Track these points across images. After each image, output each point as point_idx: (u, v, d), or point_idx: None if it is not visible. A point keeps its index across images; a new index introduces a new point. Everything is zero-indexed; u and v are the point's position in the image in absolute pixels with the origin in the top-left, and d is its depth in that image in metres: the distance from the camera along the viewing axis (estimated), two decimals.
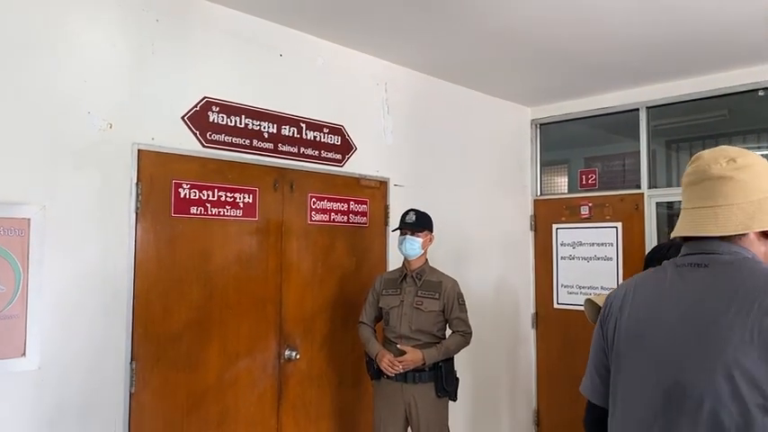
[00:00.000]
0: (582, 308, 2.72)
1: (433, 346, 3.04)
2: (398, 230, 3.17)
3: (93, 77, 2.55)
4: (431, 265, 3.21)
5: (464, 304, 3.17)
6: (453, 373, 3.13)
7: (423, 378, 3.02)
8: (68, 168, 2.47)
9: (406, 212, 3.16)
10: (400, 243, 3.13)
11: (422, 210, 3.18)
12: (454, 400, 3.14)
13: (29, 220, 2.32)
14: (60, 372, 2.40)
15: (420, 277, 3.14)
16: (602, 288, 4.39)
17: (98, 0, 2.58)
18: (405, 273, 3.16)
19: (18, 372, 2.28)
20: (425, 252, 3.18)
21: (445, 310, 3.11)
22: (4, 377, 2.26)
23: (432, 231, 3.19)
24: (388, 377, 3.03)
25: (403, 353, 3.00)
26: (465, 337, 3.12)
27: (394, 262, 3.59)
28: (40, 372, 2.34)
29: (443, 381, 3.05)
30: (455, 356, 3.16)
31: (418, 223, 3.12)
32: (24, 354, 2.29)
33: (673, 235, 1.33)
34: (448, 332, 3.19)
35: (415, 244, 3.11)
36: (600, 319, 1.41)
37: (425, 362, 2.99)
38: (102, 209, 2.56)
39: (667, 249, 2.49)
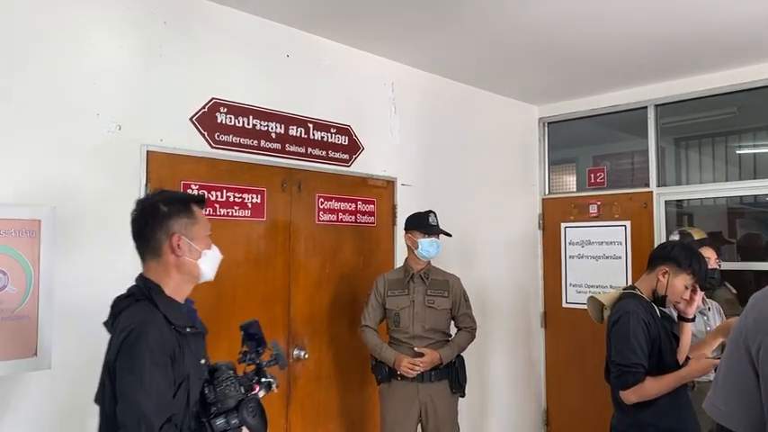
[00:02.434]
0: None
1: (446, 345, 3.08)
2: (420, 233, 3.11)
3: (102, 80, 2.56)
4: (432, 263, 3.23)
5: (469, 300, 3.23)
6: (465, 369, 3.17)
7: (438, 376, 3.05)
8: (78, 170, 2.49)
9: (427, 215, 3.13)
10: (428, 245, 3.08)
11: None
12: (463, 396, 3.17)
13: (39, 221, 2.33)
14: (71, 371, 2.42)
15: (428, 276, 3.14)
16: (611, 287, 4.36)
17: (106, 3, 2.60)
18: (411, 273, 3.16)
19: (29, 372, 2.30)
20: None
21: (453, 308, 3.15)
22: (16, 377, 2.28)
23: None
24: (402, 378, 3.03)
25: (420, 354, 3.01)
26: (472, 332, 3.18)
27: (401, 262, 3.59)
28: (51, 371, 2.35)
29: (458, 376, 3.09)
30: (463, 355, 3.18)
31: (439, 225, 3.15)
32: (36, 354, 2.31)
33: None
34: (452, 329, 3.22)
35: (439, 246, 3.13)
36: (744, 334, 1.14)
37: (442, 362, 3.02)
38: (112, 210, 2.56)
39: (672, 248, 2.49)
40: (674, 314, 2.60)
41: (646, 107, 4.40)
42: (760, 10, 3.04)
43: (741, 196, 4.21)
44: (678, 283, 2.39)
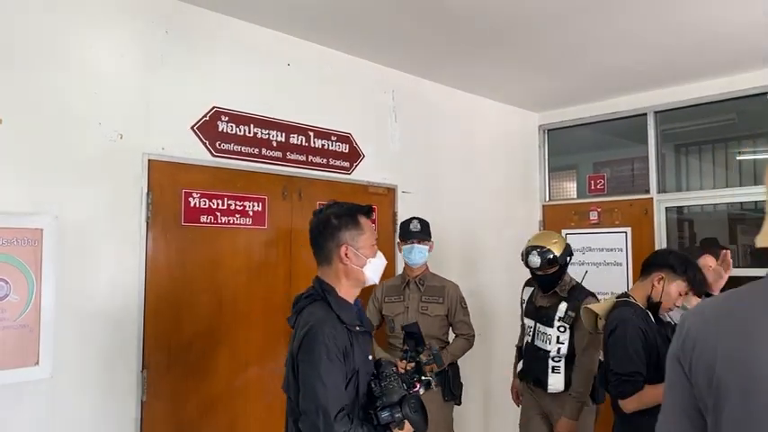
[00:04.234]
0: None
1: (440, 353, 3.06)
2: (402, 240, 3.17)
3: (103, 89, 2.58)
4: (432, 270, 3.24)
5: (467, 307, 3.21)
6: (459, 376, 3.16)
7: None
8: (80, 179, 2.50)
9: (409, 221, 3.17)
10: (408, 252, 3.13)
11: (422, 217, 3.21)
12: (459, 404, 3.16)
13: (42, 230, 2.35)
14: (72, 380, 2.43)
15: (423, 283, 3.15)
16: (611, 294, 4.36)
17: (108, 13, 2.62)
18: (407, 279, 3.17)
19: (31, 380, 2.31)
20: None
21: (449, 314, 3.14)
22: (18, 385, 2.28)
23: (431, 238, 3.21)
24: None
25: None
26: (469, 340, 3.16)
27: (400, 269, 3.59)
28: (53, 380, 2.36)
29: (450, 385, 3.08)
30: (463, 361, 3.18)
31: (424, 231, 3.14)
32: (37, 362, 2.32)
33: (757, 245, 1.13)
34: (450, 335, 3.21)
35: (423, 252, 3.13)
36: (676, 352, 1.15)
37: (433, 369, 3.00)
38: (114, 218, 2.58)
39: (667, 254, 2.50)
40: (668, 319, 2.59)
41: (645, 114, 4.41)
42: (758, 17, 3.05)
43: (741, 202, 4.21)
44: (673, 290, 2.41)
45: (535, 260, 3.05)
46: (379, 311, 3.19)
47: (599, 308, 2.56)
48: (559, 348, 2.99)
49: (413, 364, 2.02)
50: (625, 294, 2.52)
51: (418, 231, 3.12)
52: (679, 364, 1.13)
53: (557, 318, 3.01)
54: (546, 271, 3.05)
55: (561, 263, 3.05)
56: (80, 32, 2.54)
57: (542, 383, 3.04)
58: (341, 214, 1.93)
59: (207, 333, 2.86)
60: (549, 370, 3.01)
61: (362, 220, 1.95)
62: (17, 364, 2.27)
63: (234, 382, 2.94)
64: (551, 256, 3.02)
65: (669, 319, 2.60)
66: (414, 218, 3.18)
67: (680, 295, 2.42)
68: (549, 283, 3.09)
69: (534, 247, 3.09)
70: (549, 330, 3.03)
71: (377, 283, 1.99)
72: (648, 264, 2.52)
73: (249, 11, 2.96)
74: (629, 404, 2.27)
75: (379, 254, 1.98)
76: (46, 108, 2.42)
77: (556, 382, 3.00)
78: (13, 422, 2.27)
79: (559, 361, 3.00)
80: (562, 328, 2.99)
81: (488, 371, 4.36)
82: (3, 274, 2.25)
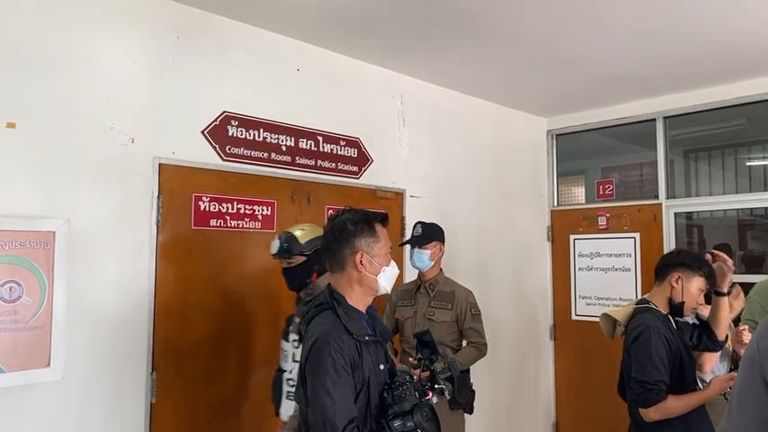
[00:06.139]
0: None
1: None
2: (407, 244, 3.15)
3: (115, 94, 2.61)
4: (446, 275, 3.21)
5: (478, 314, 3.11)
6: (468, 385, 3.08)
7: None
8: (92, 182, 2.52)
9: (414, 225, 3.15)
10: (410, 256, 3.12)
11: (430, 221, 3.17)
12: (470, 413, 3.11)
13: (54, 233, 2.37)
14: (83, 382, 2.45)
15: (433, 288, 3.12)
16: (620, 299, 4.35)
17: (120, 19, 2.65)
18: (419, 283, 3.16)
19: (43, 382, 2.33)
20: (438, 263, 3.15)
21: (458, 321, 3.07)
22: (30, 387, 2.31)
23: (442, 242, 3.13)
24: None
25: (416, 366, 2.98)
26: (479, 348, 3.06)
27: (410, 273, 3.59)
28: (64, 382, 2.38)
29: (455, 393, 3.02)
30: (471, 368, 3.14)
31: (425, 236, 3.08)
32: (49, 364, 2.34)
33: None
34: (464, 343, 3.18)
35: (423, 257, 3.07)
36: (755, 357, 1.04)
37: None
38: (125, 221, 2.61)
39: (678, 254, 2.48)
40: (689, 320, 2.56)
41: (654, 119, 4.40)
42: None
43: (751, 208, 4.19)
44: (693, 287, 2.37)
45: (274, 245, 2.54)
46: (393, 314, 3.18)
47: (618, 313, 2.51)
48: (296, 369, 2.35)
49: (428, 373, 1.97)
50: (644, 300, 2.47)
51: (417, 236, 3.08)
52: (760, 374, 1.03)
53: (290, 328, 2.54)
54: (289, 262, 2.55)
55: (303, 252, 2.53)
56: (92, 38, 2.57)
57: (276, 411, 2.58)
58: (357, 220, 1.88)
59: (216, 336, 2.88)
60: (284, 395, 2.54)
61: (378, 227, 1.90)
62: (29, 365, 2.30)
63: (242, 384, 2.95)
64: (289, 242, 2.51)
65: (693, 317, 2.57)
66: (418, 222, 3.15)
67: (701, 291, 2.38)
68: (293, 279, 2.58)
69: (280, 234, 2.58)
70: (284, 344, 2.57)
71: (389, 292, 1.95)
72: (662, 266, 2.49)
73: (259, 16, 2.99)
74: (652, 413, 2.23)
75: (393, 263, 1.94)
76: (59, 112, 2.45)
77: (288, 410, 2.51)
78: (24, 423, 2.29)
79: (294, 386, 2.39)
80: (296, 343, 2.48)
81: (496, 377, 4.35)
82: (15, 277, 2.27)
